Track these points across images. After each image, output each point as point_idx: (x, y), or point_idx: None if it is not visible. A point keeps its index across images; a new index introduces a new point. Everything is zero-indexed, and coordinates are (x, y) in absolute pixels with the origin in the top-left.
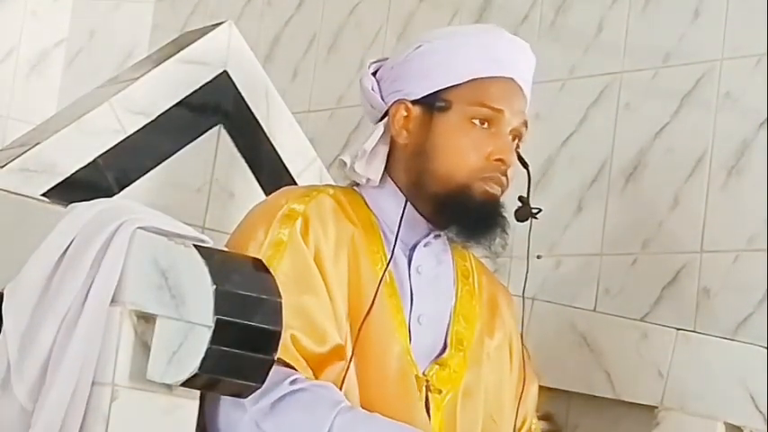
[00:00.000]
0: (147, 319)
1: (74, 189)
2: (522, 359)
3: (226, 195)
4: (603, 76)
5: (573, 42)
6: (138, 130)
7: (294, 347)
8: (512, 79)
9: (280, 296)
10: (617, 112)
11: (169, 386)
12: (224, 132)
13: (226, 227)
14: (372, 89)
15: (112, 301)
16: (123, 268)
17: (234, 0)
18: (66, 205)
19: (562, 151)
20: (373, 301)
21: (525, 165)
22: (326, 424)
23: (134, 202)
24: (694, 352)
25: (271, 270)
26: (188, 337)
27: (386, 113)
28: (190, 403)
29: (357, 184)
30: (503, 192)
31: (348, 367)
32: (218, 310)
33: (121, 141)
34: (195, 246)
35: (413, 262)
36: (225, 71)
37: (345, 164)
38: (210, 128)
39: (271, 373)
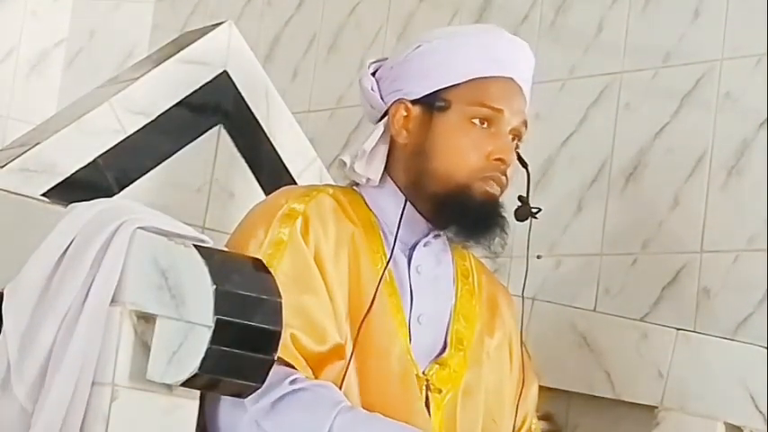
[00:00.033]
0: (147, 319)
1: (74, 189)
2: (522, 359)
3: (226, 195)
4: (603, 76)
5: (573, 42)
6: (138, 130)
7: (294, 346)
8: (511, 79)
9: (280, 296)
10: (617, 112)
11: (169, 386)
12: (224, 132)
13: (226, 227)
14: (372, 89)
15: (112, 300)
16: (123, 268)
17: (234, 0)
18: (66, 205)
19: (562, 151)
20: (373, 300)
21: (524, 164)
22: (327, 424)
23: (134, 202)
24: (694, 352)
25: (271, 269)
26: (188, 337)
27: (385, 113)
28: (190, 403)
29: (357, 184)
30: (502, 191)
31: (348, 366)
32: (218, 310)
33: (121, 141)
34: (195, 246)
35: (412, 261)
36: (225, 71)
37: (345, 164)
38: (210, 128)
39: (271, 373)
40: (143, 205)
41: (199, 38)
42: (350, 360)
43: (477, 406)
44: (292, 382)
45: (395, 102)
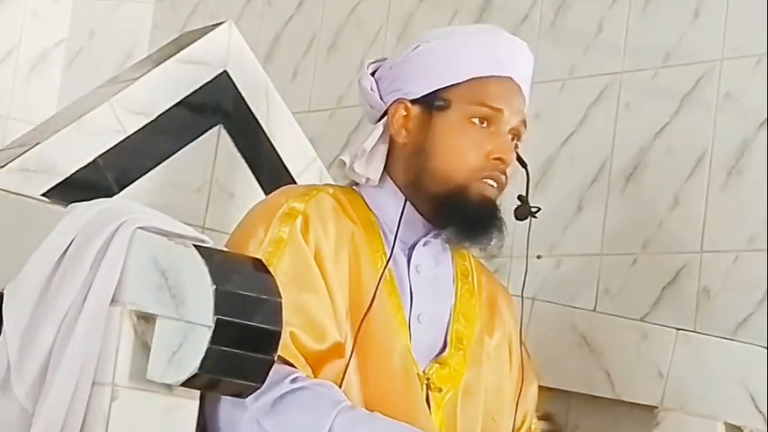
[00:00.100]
0: (147, 319)
1: (74, 189)
2: (521, 359)
3: (226, 195)
4: (603, 76)
5: (573, 42)
6: (138, 130)
7: (293, 345)
8: (511, 78)
9: (280, 296)
10: (617, 112)
11: (169, 386)
12: (224, 132)
13: (226, 227)
14: (371, 89)
15: (112, 301)
16: (123, 268)
17: (234, 0)
18: (67, 205)
19: (562, 151)
20: (374, 298)
21: (524, 164)
22: (327, 423)
23: (134, 202)
24: (694, 352)
25: (271, 268)
26: (188, 337)
27: (385, 113)
28: (190, 403)
29: (357, 184)
30: (501, 190)
31: (348, 364)
32: (218, 310)
33: (121, 141)
34: (195, 246)
35: (412, 261)
36: (225, 71)
37: (345, 163)
38: (210, 128)
39: (272, 371)
40: (143, 205)
41: (199, 38)
42: (350, 358)
43: (477, 405)
44: (293, 380)
45: (394, 101)
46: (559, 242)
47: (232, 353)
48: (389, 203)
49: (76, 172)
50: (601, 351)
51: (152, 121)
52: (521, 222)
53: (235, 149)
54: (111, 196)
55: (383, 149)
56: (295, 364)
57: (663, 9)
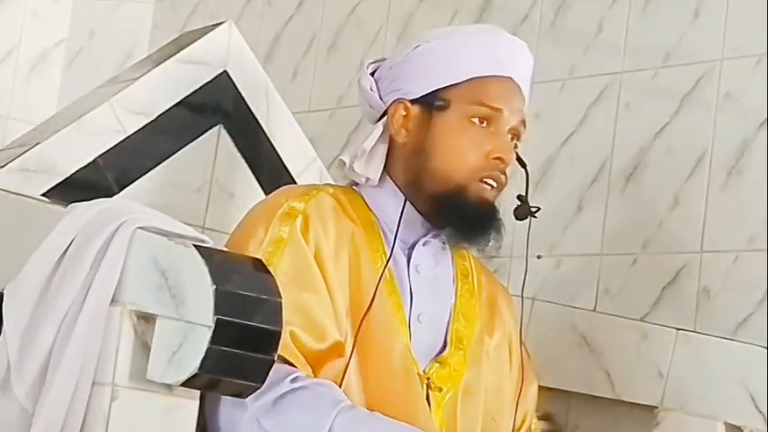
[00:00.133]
0: (147, 319)
1: (74, 189)
2: (521, 359)
3: (226, 195)
4: (603, 76)
5: (573, 42)
6: (138, 130)
7: (293, 344)
8: (510, 78)
9: (280, 296)
10: (617, 112)
11: (169, 386)
12: (224, 132)
13: (226, 227)
14: (371, 89)
15: (112, 300)
16: (123, 268)
17: (234, 0)
18: (67, 205)
19: (562, 151)
20: (374, 298)
21: (523, 164)
22: (327, 423)
23: (134, 202)
24: (694, 352)
25: (271, 268)
26: (188, 337)
27: (385, 113)
28: (190, 403)
29: (356, 184)
30: (501, 190)
31: (348, 364)
32: (218, 310)
33: (121, 141)
34: (195, 246)
35: (412, 261)
36: (225, 71)
37: (345, 163)
38: (210, 128)
39: (272, 371)
40: (143, 205)
41: (199, 38)
42: (350, 357)
43: (476, 405)
44: (293, 380)
45: (394, 101)
46: (559, 242)
47: (232, 353)
48: (389, 203)
49: (76, 172)
50: (601, 351)
51: (152, 121)
52: (520, 222)
53: (235, 149)
54: (111, 196)
55: (383, 149)
56: (295, 364)
57: (663, 9)
